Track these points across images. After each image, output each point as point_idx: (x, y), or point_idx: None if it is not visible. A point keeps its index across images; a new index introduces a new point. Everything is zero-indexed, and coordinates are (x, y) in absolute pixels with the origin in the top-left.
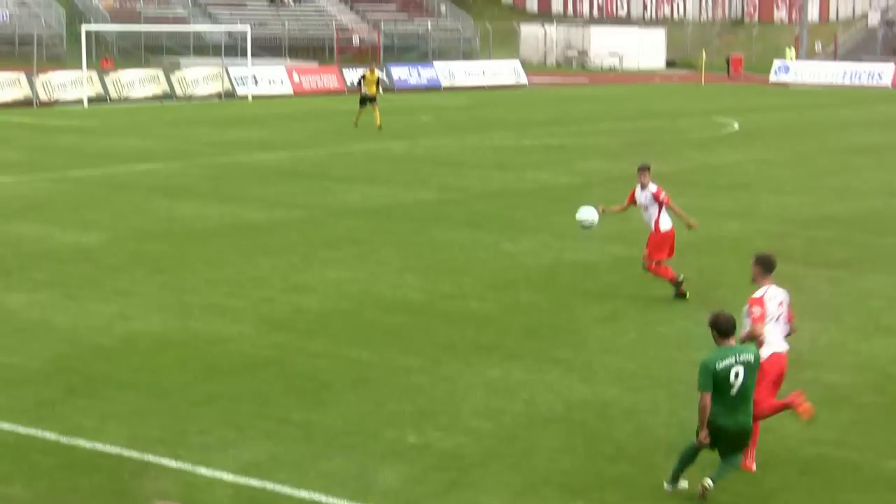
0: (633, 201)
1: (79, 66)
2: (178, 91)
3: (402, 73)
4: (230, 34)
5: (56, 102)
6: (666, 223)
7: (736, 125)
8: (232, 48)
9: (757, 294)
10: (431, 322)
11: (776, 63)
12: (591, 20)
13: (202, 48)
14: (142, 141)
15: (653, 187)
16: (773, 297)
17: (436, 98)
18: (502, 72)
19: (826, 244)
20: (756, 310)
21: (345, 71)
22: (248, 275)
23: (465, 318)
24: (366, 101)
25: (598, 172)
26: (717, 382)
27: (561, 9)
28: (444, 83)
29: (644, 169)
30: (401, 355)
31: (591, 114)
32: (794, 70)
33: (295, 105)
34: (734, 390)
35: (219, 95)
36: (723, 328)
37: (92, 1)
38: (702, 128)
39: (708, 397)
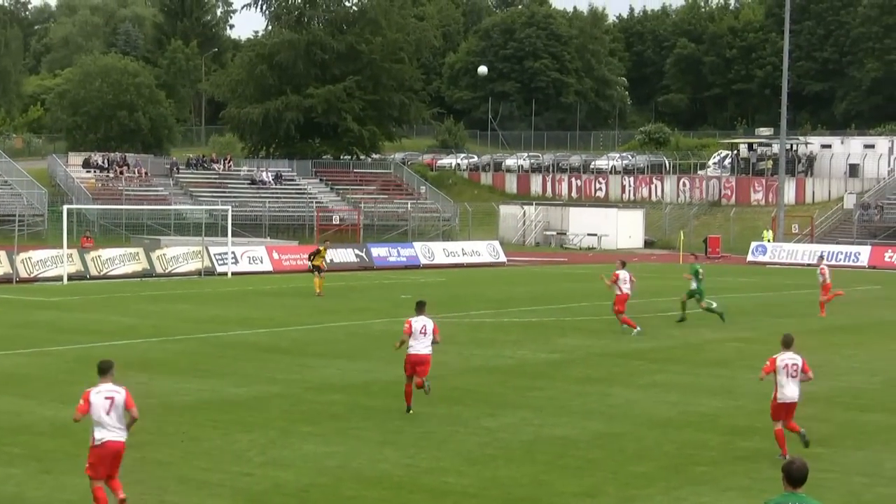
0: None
1: (59, 244)
2: (159, 268)
3: (381, 251)
4: (211, 213)
5: (36, 279)
6: None
7: (714, 304)
8: (213, 226)
9: None
10: (411, 497)
11: (753, 244)
12: (570, 201)
13: (183, 226)
14: (121, 317)
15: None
16: None
17: (415, 276)
18: (481, 251)
19: (807, 421)
20: None
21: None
22: (226, 449)
23: (444, 493)
24: (319, 270)
25: (578, 349)
26: None
27: (540, 190)
28: (424, 262)
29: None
30: None
31: (569, 292)
32: (771, 251)
33: (274, 282)
34: None
35: (199, 273)
36: (793, 476)
37: (74, 181)
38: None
39: None
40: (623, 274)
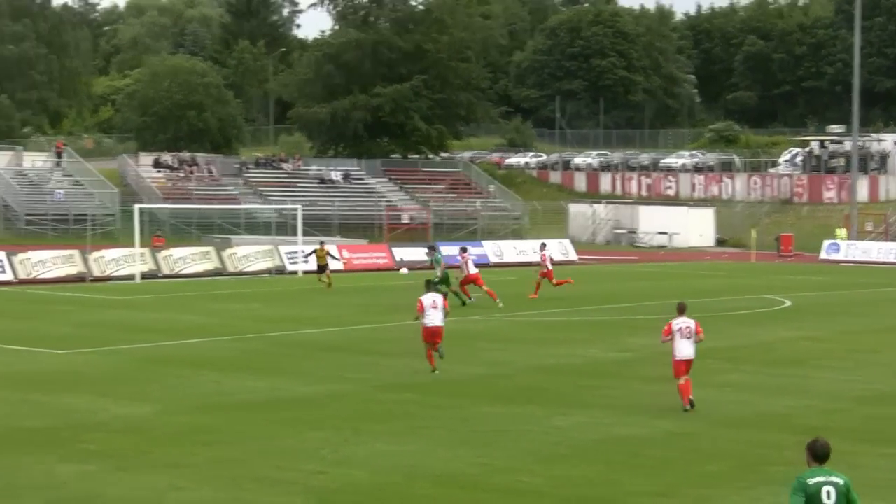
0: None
1: (131, 244)
2: (230, 267)
3: (450, 250)
4: (281, 212)
5: (109, 278)
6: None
7: (787, 302)
8: (282, 225)
9: None
10: (484, 496)
11: (826, 242)
12: (640, 199)
13: (253, 226)
14: (192, 316)
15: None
16: None
17: (484, 275)
18: (551, 249)
19: (880, 421)
20: None
21: (394, 249)
22: (299, 448)
23: (517, 492)
24: (323, 269)
25: (648, 348)
26: (809, 499)
27: (609, 188)
28: (493, 260)
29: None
30: None
31: (640, 291)
32: (844, 249)
33: (345, 281)
34: None
35: (269, 272)
36: (818, 453)
37: (145, 181)
38: (753, 305)
39: None
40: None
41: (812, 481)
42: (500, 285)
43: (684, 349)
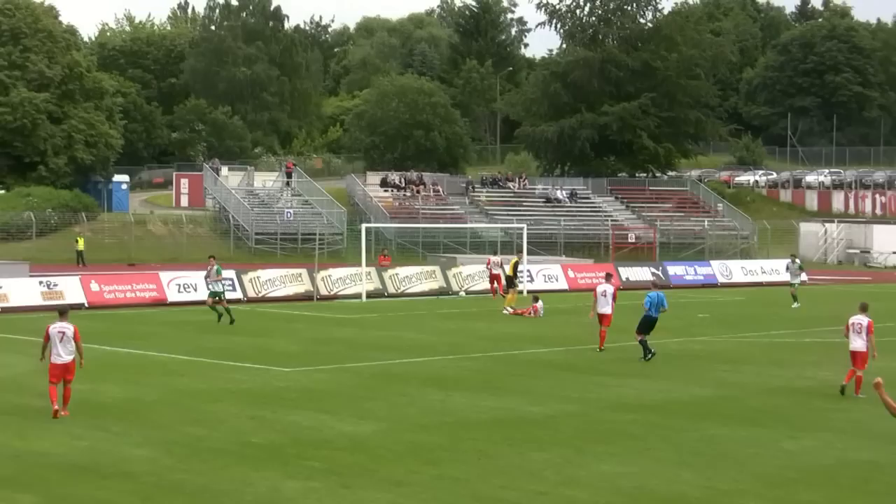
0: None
1: (358, 262)
2: (454, 286)
3: (677, 270)
4: (506, 231)
5: (336, 296)
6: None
7: None
8: (507, 244)
9: None
10: None
11: None
12: (874, 218)
13: (478, 244)
14: (417, 334)
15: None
16: None
17: (712, 294)
18: (780, 269)
19: None
20: None
21: (620, 268)
22: (521, 467)
23: None
24: (512, 283)
25: (883, 371)
26: None
27: (842, 207)
28: (721, 280)
29: None
30: None
31: (874, 312)
32: None
33: (569, 300)
34: None
35: (494, 290)
36: None
37: (372, 200)
38: None
39: None
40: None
41: None
42: (726, 306)
43: (854, 342)
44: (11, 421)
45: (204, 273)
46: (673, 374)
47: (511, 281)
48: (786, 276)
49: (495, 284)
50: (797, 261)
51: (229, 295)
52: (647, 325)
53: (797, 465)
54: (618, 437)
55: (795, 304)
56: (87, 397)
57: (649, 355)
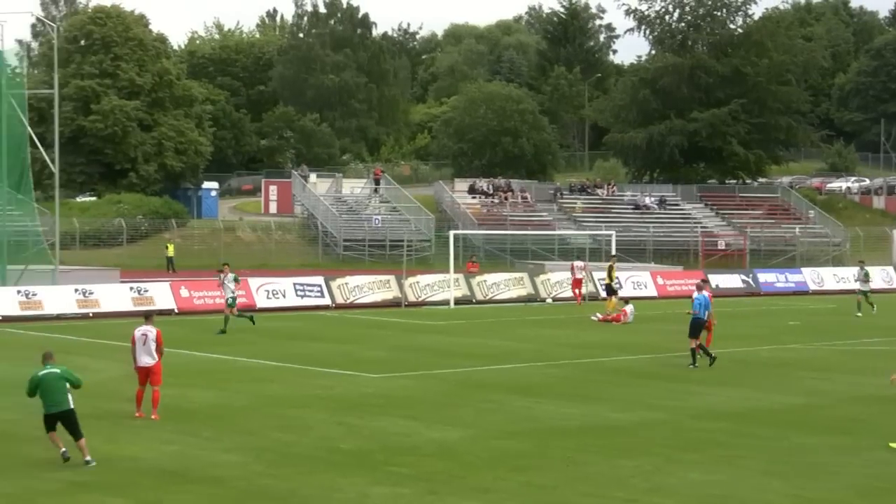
0: None
1: (446, 269)
2: (542, 293)
3: (768, 277)
4: (595, 238)
5: (424, 303)
6: None
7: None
8: (596, 252)
9: None
10: None
11: None
12: None
13: (566, 251)
14: (504, 341)
15: None
16: None
17: (803, 302)
18: (875, 277)
19: None
20: None
21: (710, 276)
22: (609, 475)
23: None
24: (611, 290)
25: None
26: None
27: None
28: (813, 288)
29: None
30: None
31: None
32: None
33: (659, 308)
34: None
35: (583, 298)
36: None
37: (460, 207)
38: None
39: None
40: None
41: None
42: (818, 313)
43: None
44: (102, 426)
45: (220, 279)
46: (762, 382)
47: (610, 288)
48: (875, 284)
49: (577, 290)
50: (865, 268)
51: (316, 301)
52: (697, 327)
53: (890, 474)
54: (706, 445)
55: (859, 314)
56: (176, 402)
57: (697, 363)
